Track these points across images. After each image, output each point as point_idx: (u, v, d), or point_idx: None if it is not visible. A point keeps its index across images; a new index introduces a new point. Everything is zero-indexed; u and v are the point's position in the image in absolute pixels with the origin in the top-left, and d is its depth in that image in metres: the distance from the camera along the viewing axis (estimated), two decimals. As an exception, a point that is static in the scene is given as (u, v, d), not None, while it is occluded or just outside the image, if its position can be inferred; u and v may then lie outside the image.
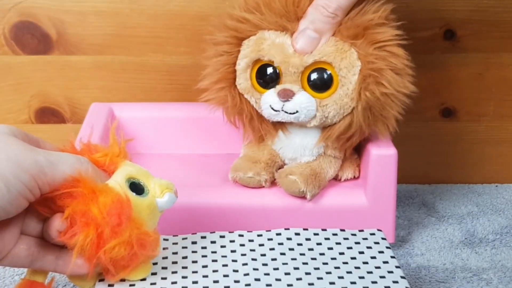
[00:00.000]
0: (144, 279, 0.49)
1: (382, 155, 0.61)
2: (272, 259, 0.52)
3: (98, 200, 0.45)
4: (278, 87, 0.59)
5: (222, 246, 0.53)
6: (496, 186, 0.81)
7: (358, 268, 0.51)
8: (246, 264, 0.51)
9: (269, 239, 0.55)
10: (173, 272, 0.50)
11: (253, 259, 0.52)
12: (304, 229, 0.56)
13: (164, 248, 0.53)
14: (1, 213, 0.43)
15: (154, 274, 0.50)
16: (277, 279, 0.49)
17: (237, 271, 0.50)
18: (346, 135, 0.61)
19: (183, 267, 0.51)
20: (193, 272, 0.50)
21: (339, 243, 0.54)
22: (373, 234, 0.56)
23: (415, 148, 0.79)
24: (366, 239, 0.55)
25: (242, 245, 0.54)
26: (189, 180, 0.66)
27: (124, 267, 0.47)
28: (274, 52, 0.59)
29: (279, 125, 0.63)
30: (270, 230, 0.56)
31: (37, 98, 0.77)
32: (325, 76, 0.59)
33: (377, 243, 0.54)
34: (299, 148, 0.63)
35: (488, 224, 0.72)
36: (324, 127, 0.62)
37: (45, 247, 0.47)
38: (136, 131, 0.72)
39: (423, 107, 0.78)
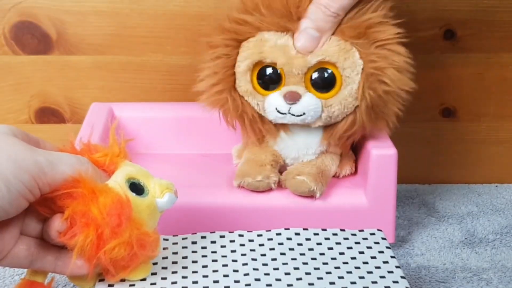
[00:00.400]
0: (144, 279, 0.49)
1: (382, 155, 0.61)
2: (272, 259, 0.52)
3: (98, 200, 0.45)
4: (284, 90, 0.59)
5: (222, 246, 0.53)
6: (496, 186, 0.81)
7: (358, 268, 0.51)
8: (246, 264, 0.51)
9: (269, 239, 0.55)
10: (173, 272, 0.50)
11: (253, 259, 0.52)
12: (304, 229, 0.56)
13: (164, 248, 0.53)
14: (1, 213, 0.42)
15: (154, 274, 0.50)
16: (277, 279, 0.49)
17: (237, 271, 0.50)
18: (348, 133, 0.61)
19: (183, 267, 0.51)
20: (193, 272, 0.50)
21: (339, 243, 0.54)
22: (373, 234, 0.56)
23: (415, 148, 0.79)
24: (366, 239, 0.55)
25: (242, 245, 0.54)
26: (189, 180, 0.66)
27: (124, 267, 0.47)
28: (277, 54, 0.59)
29: (281, 126, 0.63)
30: (270, 230, 0.56)
31: (37, 98, 0.77)
32: (328, 75, 0.59)
33: (377, 243, 0.54)
34: (302, 148, 0.63)
35: (488, 224, 0.72)
36: (326, 126, 0.62)
37: (45, 247, 0.47)
38: (136, 131, 0.72)
39: (423, 107, 0.78)
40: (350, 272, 0.50)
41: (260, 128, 0.63)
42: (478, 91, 0.78)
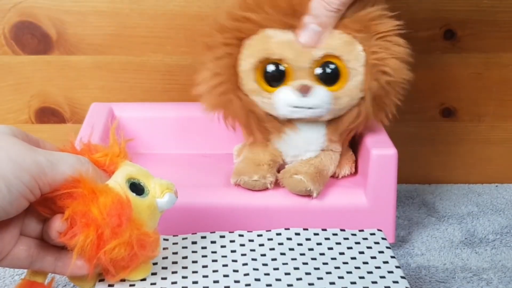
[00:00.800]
0: (144, 279, 0.49)
1: (382, 155, 0.61)
2: (272, 259, 0.52)
3: (99, 200, 0.45)
4: (295, 83, 0.59)
5: (222, 246, 0.53)
6: (496, 186, 0.81)
7: (358, 268, 0.51)
8: (246, 264, 0.51)
9: (269, 239, 0.55)
10: (173, 272, 0.50)
11: (253, 259, 0.52)
12: (304, 229, 0.56)
13: (164, 248, 0.53)
14: (2, 214, 0.42)
15: (154, 274, 0.50)
16: (277, 279, 0.49)
17: (237, 271, 0.50)
18: (352, 126, 0.62)
19: (183, 267, 0.51)
20: (193, 272, 0.50)
21: (339, 243, 0.54)
22: (373, 234, 0.56)
23: (415, 148, 0.79)
24: (366, 239, 0.55)
25: (242, 245, 0.54)
26: (189, 180, 0.66)
27: (124, 267, 0.47)
28: (285, 49, 0.59)
29: (288, 123, 0.63)
30: (270, 230, 0.56)
31: (37, 98, 0.77)
32: (333, 68, 0.60)
33: (377, 243, 0.54)
34: (305, 144, 0.63)
35: (488, 224, 0.72)
36: (329, 121, 0.62)
37: (45, 248, 0.47)
38: (136, 131, 0.72)
39: (423, 107, 0.78)
40: (350, 272, 0.50)
41: (266, 126, 0.63)
42: (478, 91, 0.78)
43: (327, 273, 0.50)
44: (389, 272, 0.50)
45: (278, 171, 0.63)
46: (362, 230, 0.56)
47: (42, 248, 0.47)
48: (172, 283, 0.49)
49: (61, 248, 0.47)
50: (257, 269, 0.50)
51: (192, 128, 0.72)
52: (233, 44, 0.61)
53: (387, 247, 0.54)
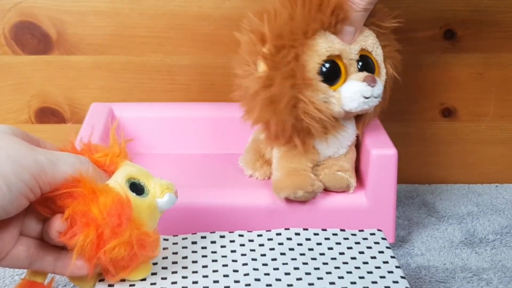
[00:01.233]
0: (144, 279, 0.49)
1: (382, 155, 0.61)
2: (272, 259, 0.52)
3: (99, 200, 0.45)
4: (360, 75, 0.60)
5: (222, 246, 0.53)
6: (496, 186, 0.81)
7: (358, 268, 0.51)
8: (246, 264, 0.51)
9: (269, 239, 0.55)
10: (173, 272, 0.50)
11: (253, 259, 0.52)
12: (304, 229, 0.56)
13: (164, 248, 0.53)
14: (2, 213, 0.42)
15: (154, 274, 0.50)
16: (277, 279, 0.49)
17: (237, 271, 0.50)
18: (373, 118, 0.65)
19: (183, 267, 0.51)
20: (193, 272, 0.50)
21: (339, 243, 0.54)
22: (373, 234, 0.56)
23: (415, 148, 0.79)
24: (366, 239, 0.55)
25: (242, 245, 0.54)
26: (189, 180, 0.66)
27: (124, 267, 0.47)
28: (337, 47, 0.59)
29: (336, 122, 0.61)
30: (270, 230, 0.56)
31: (37, 98, 0.77)
32: (370, 61, 0.62)
33: (377, 243, 0.54)
34: (341, 142, 0.63)
35: (488, 224, 0.72)
36: (356, 116, 0.63)
37: (44, 248, 0.47)
38: (136, 131, 0.72)
39: (423, 107, 0.78)
40: (350, 272, 0.50)
41: (323, 124, 0.60)
42: (478, 91, 0.78)
43: (327, 273, 0.50)
44: (389, 272, 0.50)
45: None
46: (362, 230, 0.56)
47: (42, 248, 0.47)
48: (172, 283, 0.49)
49: (61, 248, 0.47)
50: (257, 269, 0.50)
51: (192, 128, 0.72)
52: (297, 46, 0.58)
53: (387, 247, 0.54)
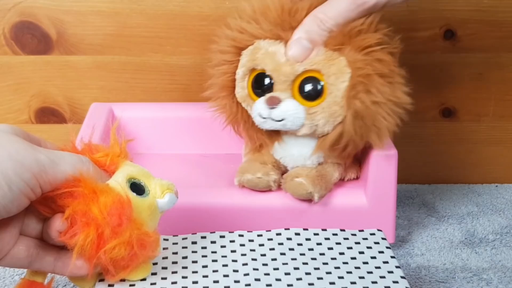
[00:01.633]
0: (144, 279, 0.49)
1: (382, 155, 0.61)
2: (272, 259, 0.52)
3: (99, 200, 0.45)
4: (267, 95, 0.59)
5: (222, 246, 0.53)
6: (496, 186, 0.81)
7: (358, 268, 0.51)
8: (246, 264, 0.51)
9: (269, 239, 0.55)
10: (173, 272, 0.50)
11: (253, 259, 0.52)
12: (304, 229, 0.56)
13: (164, 248, 0.53)
14: (2, 212, 0.42)
15: (154, 274, 0.50)
16: (277, 279, 0.49)
17: (237, 271, 0.50)
18: (339, 145, 0.60)
19: (183, 267, 0.51)
20: (193, 272, 0.50)
21: (339, 243, 0.54)
22: (373, 234, 0.56)
23: (415, 148, 0.79)
24: (366, 239, 0.55)
25: (242, 245, 0.54)
26: (189, 180, 0.66)
27: (124, 267, 0.47)
28: (266, 61, 0.59)
29: (275, 135, 0.63)
30: (270, 230, 0.56)
31: (37, 98, 0.77)
32: (315, 84, 0.58)
33: (377, 243, 0.54)
34: (299, 158, 0.62)
35: (488, 224, 0.72)
36: (320, 137, 0.61)
37: (44, 248, 0.47)
38: (136, 131, 0.72)
39: (423, 107, 0.78)
40: (350, 272, 0.50)
41: (254, 135, 0.63)
42: (478, 91, 0.78)
43: (327, 273, 0.50)
44: (389, 272, 0.50)
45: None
46: (362, 230, 0.56)
47: (42, 248, 0.47)
48: (172, 283, 0.49)
49: (61, 248, 0.47)
50: (257, 269, 0.50)
51: (192, 128, 0.72)
52: (233, 53, 0.61)
53: (387, 247, 0.54)
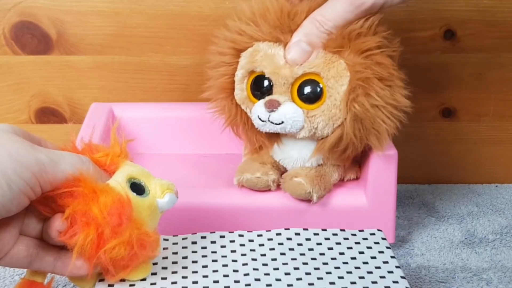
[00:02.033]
0: (144, 279, 0.49)
1: (382, 155, 0.61)
2: (272, 259, 0.52)
3: (99, 200, 0.45)
4: (267, 98, 0.59)
5: (222, 246, 0.53)
6: (496, 186, 0.81)
7: (358, 268, 0.51)
8: (246, 264, 0.51)
9: (269, 239, 0.55)
10: (173, 272, 0.50)
11: (253, 259, 0.52)
12: (304, 229, 0.56)
13: (164, 248, 0.53)
14: (2, 211, 0.42)
15: (154, 274, 0.50)
16: (277, 279, 0.49)
17: (237, 271, 0.50)
18: (338, 148, 0.60)
19: (183, 267, 0.51)
20: (193, 272, 0.50)
21: (339, 243, 0.54)
22: (373, 234, 0.56)
23: (415, 148, 0.79)
24: (366, 239, 0.55)
25: (242, 245, 0.54)
26: (189, 180, 0.66)
27: (124, 267, 0.47)
28: (265, 63, 0.59)
29: (274, 138, 0.62)
30: (270, 230, 0.56)
31: (37, 98, 0.77)
32: (314, 87, 0.58)
33: (377, 243, 0.54)
34: (298, 160, 0.62)
35: (488, 224, 0.72)
36: (319, 140, 0.61)
37: (44, 248, 0.47)
38: (136, 131, 0.72)
39: (423, 107, 0.78)
40: (350, 272, 0.50)
41: (253, 137, 0.63)
42: (478, 91, 0.78)
43: (327, 273, 0.50)
44: (389, 272, 0.50)
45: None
46: (362, 230, 0.56)
47: (42, 248, 0.47)
48: (172, 283, 0.49)
49: (61, 248, 0.47)
50: (257, 269, 0.50)
51: (192, 128, 0.72)
52: (232, 54, 0.61)
53: (387, 247, 0.54)
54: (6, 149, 0.43)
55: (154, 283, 0.49)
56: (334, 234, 0.55)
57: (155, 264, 0.51)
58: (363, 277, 0.49)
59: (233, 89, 0.62)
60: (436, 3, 0.74)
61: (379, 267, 0.51)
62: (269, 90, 0.60)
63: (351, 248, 0.53)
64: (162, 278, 0.49)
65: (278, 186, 0.62)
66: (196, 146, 0.73)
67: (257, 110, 0.59)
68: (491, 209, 0.75)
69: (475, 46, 0.76)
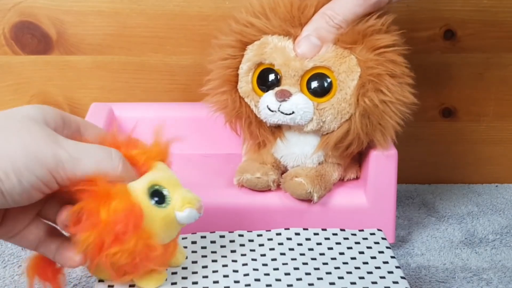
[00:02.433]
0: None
1: (382, 155, 0.61)
2: (272, 259, 0.52)
3: (111, 204, 0.43)
4: (277, 88, 0.59)
5: (222, 246, 0.53)
6: (496, 186, 0.81)
7: (358, 268, 0.51)
8: (246, 264, 0.51)
9: (269, 239, 0.55)
10: (172, 273, 0.50)
11: (253, 259, 0.52)
12: (304, 229, 0.56)
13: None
14: (11, 203, 0.42)
15: (154, 274, 0.50)
16: (277, 279, 0.49)
17: (237, 271, 0.50)
18: (343, 143, 0.60)
19: (182, 268, 0.51)
20: (193, 272, 0.50)
21: (339, 243, 0.54)
22: (373, 234, 0.56)
23: (415, 148, 0.79)
24: (366, 239, 0.55)
25: (242, 245, 0.54)
26: (189, 180, 0.65)
27: (126, 273, 0.46)
28: (275, 55, 0.59)
29: (278, 132, 0.62)
30: (270, 230, 0.56)
31: (37, 98, 0.77)
32: (323, 80, 0.59)
33: (377, 243, 0.54)
34: (300, 157, 0.62)
35: (488, 224, 0.72)
36: (323, 135, 0.61)
37: (52, 235, 0.47)
38: (136, 131, 0.72)
39: (423, 107, 0.77)
40: (350, 272, 0.50)
41: (256, 132, 0.63)
42: (478, 91, 0.78)
43: (327, 273, 0.50)
44: (389, 272, 0.50)
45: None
46: (362, 230, 0.56)
47: (50, 235, 0.47)
48: (172, 283, 0.49)
49: (65, 239, 0.47)
50: (257, 269, 0.50)
51: (192, 128, 0.72)
52: (237, 47, 0.61)
53: (387, 247, 0.54)
54: (23, 141, 0.41)
55: (154, 283, 0.49)
56: (334, 234, 0.55)
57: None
58: (363, 277, 0.49)
59: (237, 82, 0.62)
60: (436, 3, 0.74)
61: (379, 267, 0.51)
62: (275, 84, 0.60)
63: (351, 248, 0.53)
64: (162, 278, 0.49)
65: (278, 186, 0.62)
66: (196, 146, 0.73)
67: (267, 99, 0.59)
68: (491, 209, 0.75)
69: (475, 46, 0.76)
